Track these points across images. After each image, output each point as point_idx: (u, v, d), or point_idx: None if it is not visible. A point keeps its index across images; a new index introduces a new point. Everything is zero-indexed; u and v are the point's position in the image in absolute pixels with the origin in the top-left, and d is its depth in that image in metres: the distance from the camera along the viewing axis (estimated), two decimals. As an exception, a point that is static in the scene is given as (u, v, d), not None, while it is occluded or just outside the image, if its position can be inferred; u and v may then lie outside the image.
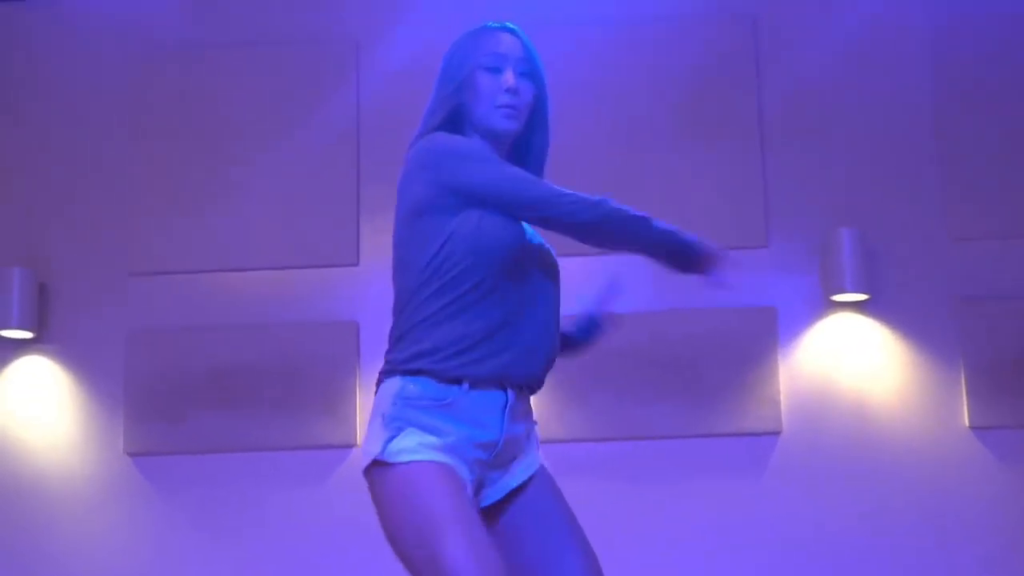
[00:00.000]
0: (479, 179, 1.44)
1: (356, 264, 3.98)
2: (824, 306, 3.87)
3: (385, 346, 1.59)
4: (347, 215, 4.02)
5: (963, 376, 3.77)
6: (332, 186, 4.04)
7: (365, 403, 3.75)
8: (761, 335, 3.85)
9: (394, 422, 1.40)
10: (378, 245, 3.80)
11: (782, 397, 3.81)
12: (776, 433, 3.78)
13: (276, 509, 3.85)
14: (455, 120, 1.57)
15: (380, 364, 1.58)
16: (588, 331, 1.78)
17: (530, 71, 1.59)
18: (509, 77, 1.54)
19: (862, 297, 3.80)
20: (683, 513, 3.76)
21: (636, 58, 4.06)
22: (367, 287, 3.89)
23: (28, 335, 3.93)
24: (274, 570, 3.81)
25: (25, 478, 3.94)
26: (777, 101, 4.03)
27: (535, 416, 1.63)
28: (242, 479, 3.88)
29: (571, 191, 1.47)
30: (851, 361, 3.85)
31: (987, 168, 3.90)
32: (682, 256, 1.54)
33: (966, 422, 3.74)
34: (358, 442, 3.74)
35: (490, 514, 1.49)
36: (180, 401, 3.90)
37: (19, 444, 3.97)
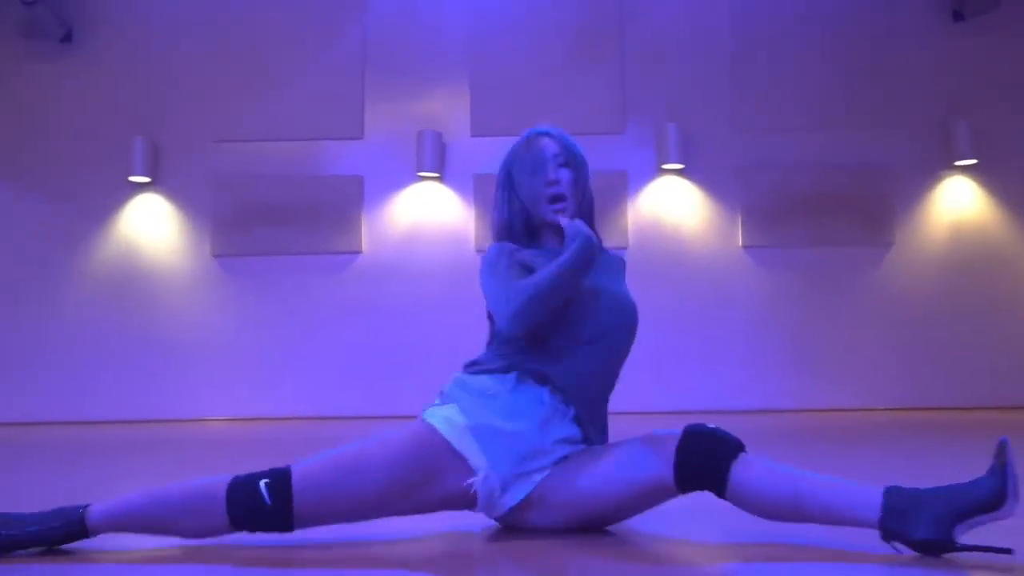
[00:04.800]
0: (484, 287, 1.84)
1: (362, 137, 6.15)
2: (656, 172, 6.14)
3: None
4: (356, 120, 6.16)
5: (740, 216, 6.09)
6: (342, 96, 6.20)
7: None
8: (618, 189, 6.09)
9: None
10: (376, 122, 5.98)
11: (629, 225, 6.08)
12: (625, 248, 6.04)
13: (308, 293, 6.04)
14: (526, 215, 1.91)
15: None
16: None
17: (567, 160, 1.90)
18: (550, 172, 1.87)
19: (680, 166, 6.07)
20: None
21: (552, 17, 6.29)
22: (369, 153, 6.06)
23: (147, 179, 6.04)
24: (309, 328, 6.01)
25: (141, 270, 6.06)
26: (633, 43, 6.26)
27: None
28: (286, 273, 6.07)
29: (507, 301, 1.73)
30: (672, 205, 6.12)
31: (763, 91, 6.17)
32: (579, 268, 1.74)
33: (740, 244, 6.08)
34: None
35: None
36: (247, 222, 6.04)
37: (140, 249, 6.08)
